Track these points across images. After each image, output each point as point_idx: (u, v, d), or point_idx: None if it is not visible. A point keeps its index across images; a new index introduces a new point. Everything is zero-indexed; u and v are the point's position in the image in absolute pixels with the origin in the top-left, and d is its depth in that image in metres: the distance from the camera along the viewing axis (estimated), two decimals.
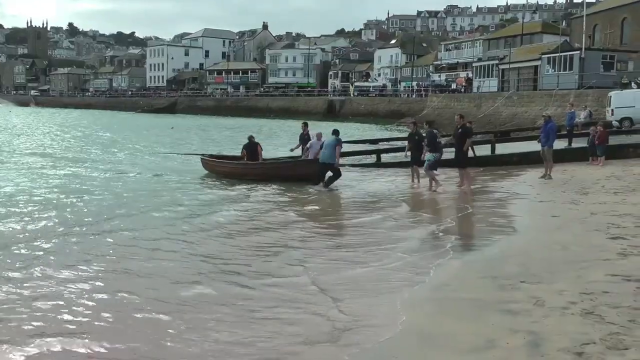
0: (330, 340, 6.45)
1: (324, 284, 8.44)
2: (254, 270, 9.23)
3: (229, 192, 17.61)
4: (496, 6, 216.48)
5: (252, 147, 20.66)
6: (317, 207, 15.29)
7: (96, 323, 6.97)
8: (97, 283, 8.51)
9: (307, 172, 18.31)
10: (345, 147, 22.73)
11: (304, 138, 20.70)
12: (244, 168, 20.29)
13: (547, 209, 13.48)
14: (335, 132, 18.41)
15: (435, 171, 17.40)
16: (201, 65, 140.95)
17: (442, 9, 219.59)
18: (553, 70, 51.29)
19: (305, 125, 21.45)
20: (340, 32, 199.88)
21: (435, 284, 8.26)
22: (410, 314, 7.01)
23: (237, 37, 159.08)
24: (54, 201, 15.30)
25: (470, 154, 21.93)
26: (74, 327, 6.86)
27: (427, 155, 17.28)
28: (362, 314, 7.14)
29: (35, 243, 10.74)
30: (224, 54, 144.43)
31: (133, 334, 6.65)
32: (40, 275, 8.81)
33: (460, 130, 17.13)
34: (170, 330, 6.75)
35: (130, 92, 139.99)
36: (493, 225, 12.69)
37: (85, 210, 14.21)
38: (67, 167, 23.49)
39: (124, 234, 11.70)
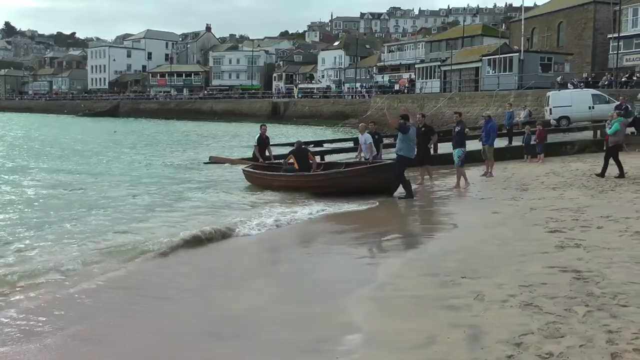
0: None
1: None
2: None
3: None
4: (438, 9, 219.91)
5: (303, 154, 17.71)
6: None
7: None
8: None
9: (386, 180, 15.35)
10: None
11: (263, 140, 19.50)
12: (304, 180, 16.73)
13: (488, 206, 13.66)
14: (406, 117, 15.70)
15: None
16: (144, 67, 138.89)
17: (385, 11, 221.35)
18: (493, 72, 52.35)
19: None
20: (284, 34, 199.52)
21: (378, 283, 8.19)
22: (351, 314, 6.95)
23: (180, 39, 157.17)
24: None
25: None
26: None
27: (457, 151, 17.39)
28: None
29: None
30: (167, 56, 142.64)
31: None
32: None
33: (423, 128, 17.76)
34: None
35: (71, 95, 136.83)
36: (435, 222, 12.86)
37: None
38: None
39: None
